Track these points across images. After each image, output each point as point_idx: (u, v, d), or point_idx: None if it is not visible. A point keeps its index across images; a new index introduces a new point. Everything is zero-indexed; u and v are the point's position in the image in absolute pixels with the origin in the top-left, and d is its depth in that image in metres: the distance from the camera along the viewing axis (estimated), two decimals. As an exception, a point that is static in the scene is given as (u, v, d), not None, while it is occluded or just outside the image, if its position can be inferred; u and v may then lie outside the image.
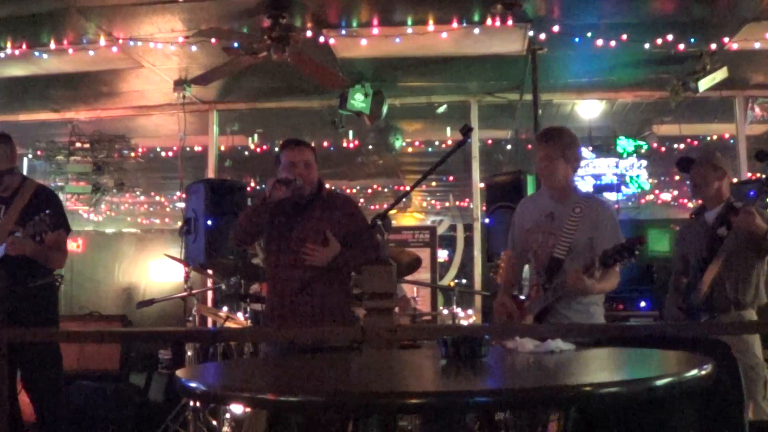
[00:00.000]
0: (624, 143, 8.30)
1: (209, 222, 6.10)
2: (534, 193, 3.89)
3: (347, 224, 3.66)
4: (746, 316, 3.75)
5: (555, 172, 3.50)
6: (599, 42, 5.90)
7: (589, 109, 7.94)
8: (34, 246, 3.74)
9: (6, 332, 3.25)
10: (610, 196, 9.13)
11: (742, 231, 3.58)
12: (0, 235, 3.82)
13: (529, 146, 8.17)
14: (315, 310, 3.57)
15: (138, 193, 11.36)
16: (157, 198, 12.60)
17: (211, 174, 7.84)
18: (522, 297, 3.74)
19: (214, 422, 4.91)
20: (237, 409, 4.59)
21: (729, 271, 3.71)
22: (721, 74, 6.32)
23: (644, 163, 8.62)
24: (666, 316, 4.10)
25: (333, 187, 8.73)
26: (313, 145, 3.86)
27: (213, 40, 5.84)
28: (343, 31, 5.90)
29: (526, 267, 3.84)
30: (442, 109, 7.70)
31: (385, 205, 11.36)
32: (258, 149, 8.89)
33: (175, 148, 8.80)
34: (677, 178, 10.60)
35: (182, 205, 7.47)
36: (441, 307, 8.28)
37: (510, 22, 5.67)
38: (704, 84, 6.33)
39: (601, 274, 3.26)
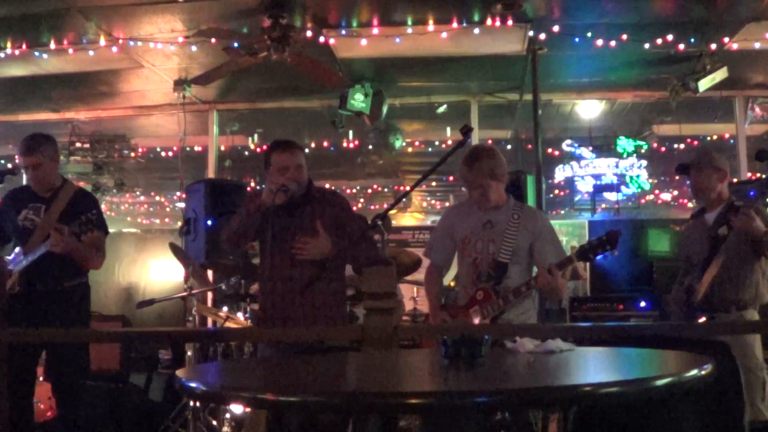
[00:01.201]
0: (624, 143, 8.31)
1: (209, 222, 6.10)
2: (461, 203, 3.95)
3: (338, 217, 3.68)
4: (747, 316, 3.75)
5: (488, 194, 3.56)
6: (599, 42, 5.91)
7: (589, 109, 7.94)
8: (77, 244, 3.77)
9: (6, 332, 3.24)
10: (610, 196, 9.14)
11: (741, 232, 3.59)
12: (41, 233, 3.87)
13: (529, 146, 8.17)
14: (310, 311, 3.58)
15: (138, 193, 11.37)
16: (157, 198, 12.60)
17: (211, 174, 7.84)
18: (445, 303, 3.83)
19: (214, 422, 4.91)
20: (237, 409, 4.59)
21: (729, 270, 3.71)
22: (721, 74, 6.32)
23: (644, 163, 8.63)
24: (665, 309, 4.13)
25: (333, 187, 8.73)
26: (302, 145, 3.87)
27: (213, 40, 5.84)
28: (343, 31, 5.90)
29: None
30: (442, 109, 7.71)
31: (385, 205, 11.36)
32: (258, 149, 8.89)
33: (175, 148, 8.80)
34: (677, 178, 10.60)
35: (182, 205, 7.46)
36: (441, 307, 8.26)
37: (510, 22, 5.67)
38: (704, 84, 6.34)
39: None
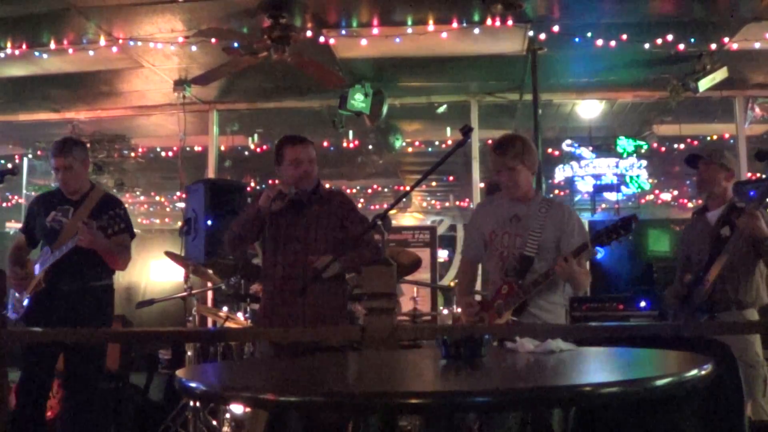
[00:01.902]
0: (624, 143, 8.31)
1: (209, 222, 6.10)
2: (490, 198, 3.94)
3: (343, 217, 3.69)
4: (748, 316, 3.76)
5: (517, 181, 3.53)
6: (599, 42, 5.91)
7: (589, 109, 7.94)
8: (104, 240, 3.80)
9: (6, 332, 3.24)
10: (610, 196, 9.14)
11: (744, 233, 3.60)
12: (68, 233, 3.90)
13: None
14: (313, 309, 3.58)
15: (138, 193, 11.37)
16: (157, 198, 12.60)
17: (211, 174, 7.84)
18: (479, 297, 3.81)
19: (214, 422, 4.92)
20: (237, 409, 4.59)
21: (731, 271, 3.72)
22: (721, 74, 6.32)
23: (644, 163, 8.63)
24: (664, 305, 4.13)
25: (333, 187, 8.71)
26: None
27: (213, 40, 5.84)
28: (343, 31, 5.90)
29: None
30: (442, 109, 7.71)
31: (385, 205, 11.36)
32: (258, 149, 8.89)
33: (175, 148, 8.80)
34: (677, 178, 10.61)
35: (182, 205, 7.47)
36: (441, 307, 8.27)
37: (510, 22, 5.67)
38: (704, 84, 6.33)
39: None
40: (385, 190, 12.01)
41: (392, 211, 8.61)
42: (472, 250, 3.77)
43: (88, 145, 8.10)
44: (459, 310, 3.79)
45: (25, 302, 3.91)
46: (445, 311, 7.49)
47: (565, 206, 3.71)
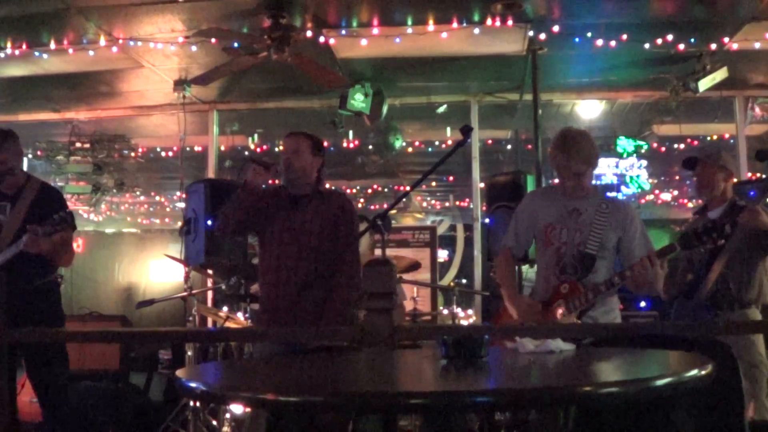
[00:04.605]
0: (624, 143, 8.30)
1: (209, 222, 6.10)
2: (544, 188, 3.73)
3: (336, 216, 3.68)
4: (750, 314, 3.76)
5: (583, 182, 3.40)
6: (599, 42, 5.90)
7: (589, 109, 7.93)
8: (51, 244, 3.75)
9: (6, 332, 3.24)
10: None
11: (746, 229, 3.58)
12: (8, 232, 3.83)
13: (529, 146, 8.17)
14: (312, 307, 3.57)
15: (138, 193, 11.36)
16: (157, 198, 12.59)
17: (211, 174, 7.84)
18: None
19: (214, 422, 4.92)
20: (237, 409, 4.59)
21: (732, 269, 3.72)
22: (721, 74, 6.32)
23: (644, 163, 8.63)
24: (665, 305, 4.11)
25: (332, 187, 8.69)
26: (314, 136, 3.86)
27: (213, 40, 5.83)
28: (343, 31, 5.90)
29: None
30: (442, 109, 7.70)
31: (385, 205, 11.35)
32: (258, 149, 8.89)
33: (175, 148, 8.80)
34: (677, 178, 10.60)
35: (182, 205, 7.47)
36: (441, 307, 8.27)
37: (510, 22, 5.67)
38: (704, 84, 6.33)
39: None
40: (385, 190, 11.99)
41: (392, 211, 8.61)
42: (519, 241, 3.55)
43: (88, 146, 8.18)
44: (514, 312, 3.42)
45: None
46: (445, 311, 7.48)
47: (629, 206, 3.53)
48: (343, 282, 3.55)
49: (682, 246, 3.18)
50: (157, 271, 8.81)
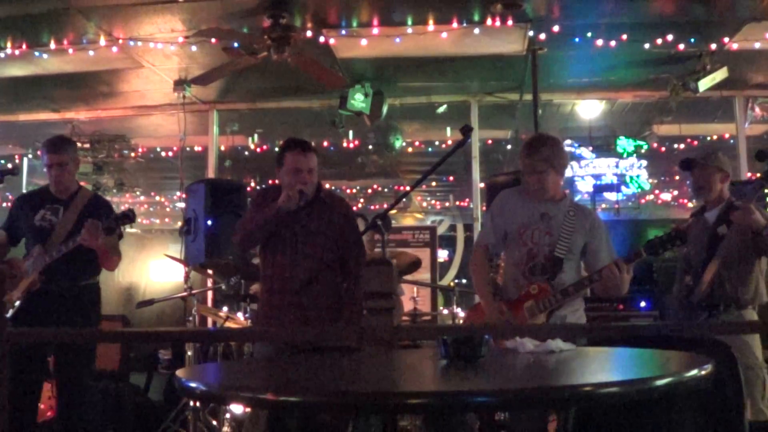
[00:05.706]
0: (624, 143, 8.31)
1: (209, 222, 6.10)
2: (514, 189, 3.81)
3: (339, 223, 3.68)
4: (746, 315, 3.75)
5: (545, 182, 3.50)
6: (599, 42, 5.91)
7: (589, 109, 7.94)
8: (103, 241, 3.80)
9: (6, 332, 3.24)
10: (610, 196, 9.14)
11: (741, 227, 3.59)
12: (59, 234, 3.91)
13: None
14: (313, 309, 3.58)
15: (138, 193, 11.36)
16: (157, 198, 12.59)
17: (211, 174, 7.84)
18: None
19: (214, 422, 4.92)
20: (237, 409, 4.59)
21: (729, 269, 3.71)
22: (721, 74, 6.32)
23: (644, 163, 8.63)
24: (667, 307, 4.13)
25: (333, 187, 8.71)
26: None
27: (213, 40, 5.84)
28: (343, 31, 5.90)
29: None
30: (442, 109, 7.70)
31: (385, 205, 11.35)
32: (258, 149, 8.89)
33: (175, 148, 8.80)
34: (677, 178, 10.60)
35: (182, 205, 7.47)
36: (441, 307, 8.28)
37: (510, 22, 5.67)
38: (704, 84, 6.33)
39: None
40: (385, 190, 11.99)
41: (392, 211, 8.61)
42: (492, 238, 3.62)
43: (88, 146, 8.18)
44: (486, 310, 3.53)
45: (17, 303, 3.87)
46: (445, 311, 7.48)
47: (594, 213, 3.71)
48: (354, 286, 3.58)
49: (648, 252, 3.34)
50: (157, 271, 8.82)
